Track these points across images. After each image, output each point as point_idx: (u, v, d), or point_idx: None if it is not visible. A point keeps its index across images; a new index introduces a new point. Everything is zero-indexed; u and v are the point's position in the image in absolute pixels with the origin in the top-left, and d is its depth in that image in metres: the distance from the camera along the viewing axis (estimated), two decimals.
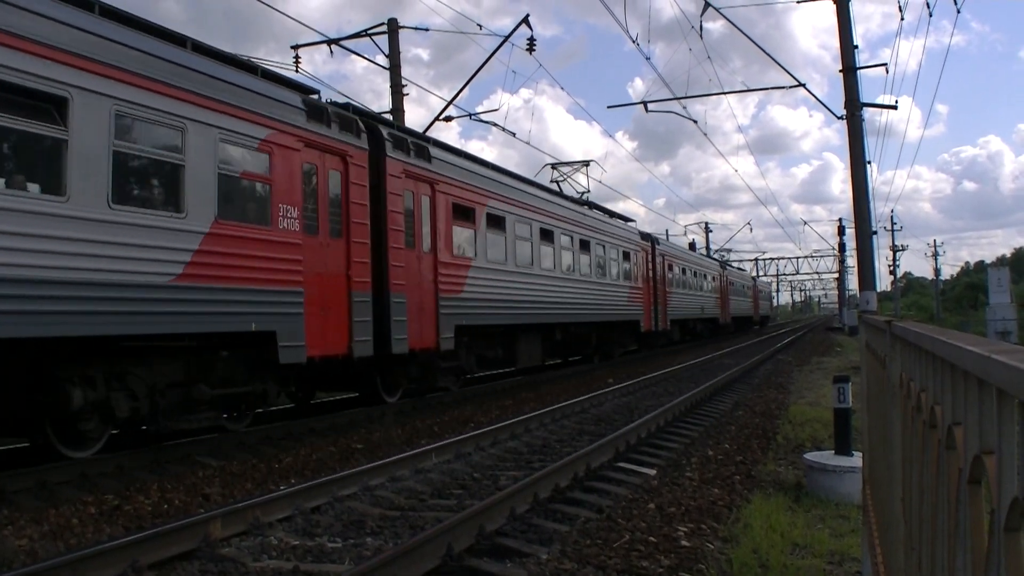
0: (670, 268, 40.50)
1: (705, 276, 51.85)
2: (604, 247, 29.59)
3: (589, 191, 33.72)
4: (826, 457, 9.32)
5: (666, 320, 38.64)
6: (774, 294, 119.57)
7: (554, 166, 34.77)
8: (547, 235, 23.97)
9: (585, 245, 27.39)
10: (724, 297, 57.89)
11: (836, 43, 25.04)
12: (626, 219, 35.49)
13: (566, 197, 28.96)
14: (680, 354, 37.08)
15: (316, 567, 6.50)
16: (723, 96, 35.18)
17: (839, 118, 25.78)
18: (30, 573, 5.76)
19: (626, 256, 32.45)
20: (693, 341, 49.78)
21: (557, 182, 33.36)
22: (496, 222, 20.51)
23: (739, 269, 79.27)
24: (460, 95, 28.15)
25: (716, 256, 76.89)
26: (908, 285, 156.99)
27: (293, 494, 8.34)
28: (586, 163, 34.74)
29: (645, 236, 37.18)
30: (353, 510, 8.32)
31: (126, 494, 9.21)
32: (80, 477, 9.95)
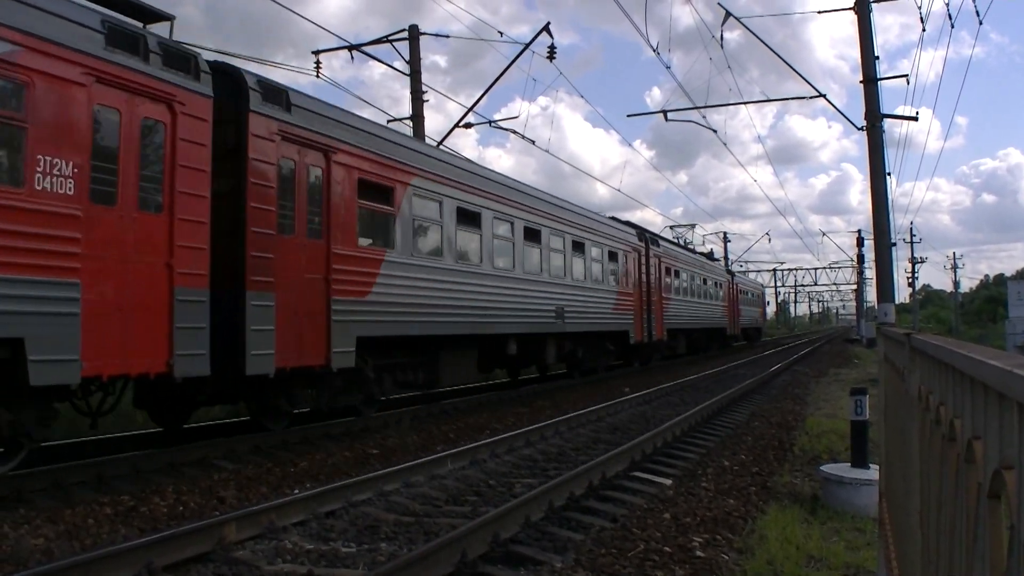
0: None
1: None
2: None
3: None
4: (842, 469, 9.28)
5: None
6: (769, 300, 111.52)
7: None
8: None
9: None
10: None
11: (853, 54, 25.09)
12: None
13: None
14: (679, 368, 34.38)
15: (330, 572, 6.50)
16: (741, 106, 35.22)
17: (859, 129, 25.66)
18: (46, 572, 5.78)
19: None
20: (696, 355, 44.88)
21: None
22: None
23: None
24: (479, 102, 28.16)
25: (732, 266, 76.57)
26: (927, 297, 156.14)
27: (308, 498, 8.36)
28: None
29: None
30: (368, 515, 8.33)
31: (141, 496, 9.24)
32: (96, 479, 9.99)
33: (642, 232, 33.37)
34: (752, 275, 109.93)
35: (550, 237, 22.64)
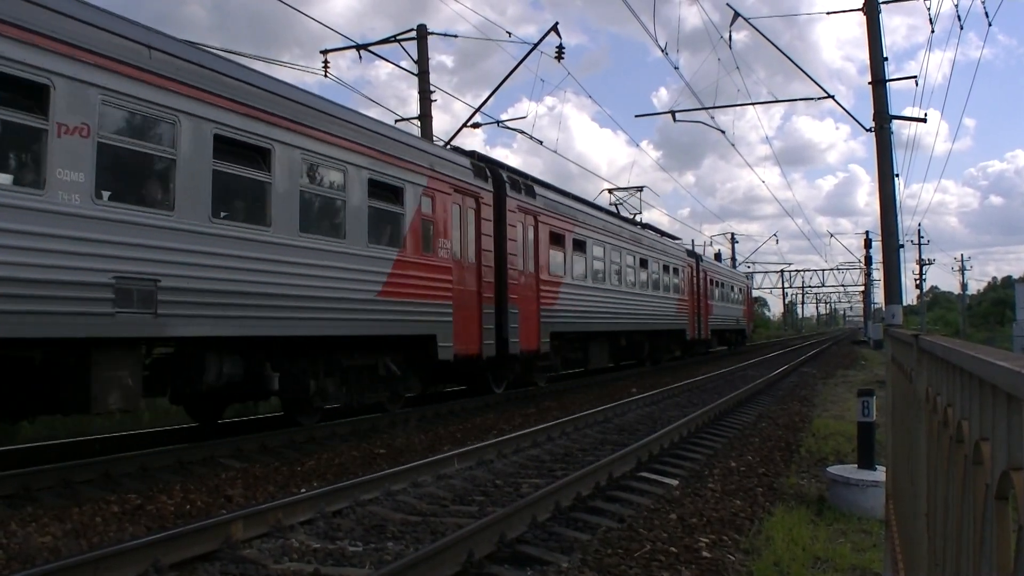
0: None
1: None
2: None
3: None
4: (849, 471, 9.26)
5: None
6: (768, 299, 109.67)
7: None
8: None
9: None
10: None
11: (860, 55, 25.14)
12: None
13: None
14: (713, 362, 40.37)
15: (337, 570, 6.51)
16: (748, 107, 35.15)
17: (867, 130, 25.61)
18: (53, 570, 5.80)
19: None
20: (727, 349, 54.05)
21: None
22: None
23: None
24: (486, 102, 28.14)
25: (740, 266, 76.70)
26: (934, 299, 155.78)
27: (315, 497, 8.37)
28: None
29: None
30: (375, 515, 8.34)
31: (149, 494, 9.27)
32: (103, 476, 10.02)
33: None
34: (759, 277, 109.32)
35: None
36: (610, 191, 40.72)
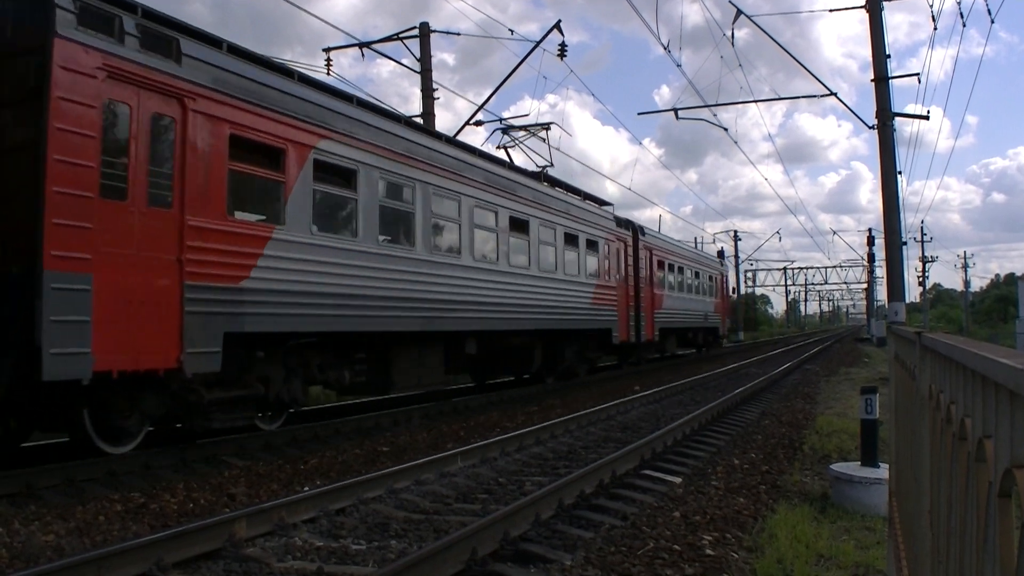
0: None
1: (700, 275, 41.79)
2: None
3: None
4: (852, 468, 9.25)
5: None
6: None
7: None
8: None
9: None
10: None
11: (862, 52, 25.24)
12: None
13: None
14: (690, 367, 34.33)
15: (340, 569, 6.52)
16: (750, 104, 35.17)
17: (870, 128, 25.62)
18: (56, 569, 5.80)
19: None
20: (696, 353, 44.08)
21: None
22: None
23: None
24: (489, 100, 28.00)
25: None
26: (937, 297, 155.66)
27: (318, 495, 8.37)
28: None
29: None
30: (378, 513, 8.34)
31: (152, 492, 9.28)
32: (108, 475, 10.02)
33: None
34: (762, 275, 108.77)
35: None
36: (503, 130, 25.94)
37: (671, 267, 35.54)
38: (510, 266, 19.80)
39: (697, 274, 40.97)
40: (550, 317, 21.96)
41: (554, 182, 24.68)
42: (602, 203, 28.02)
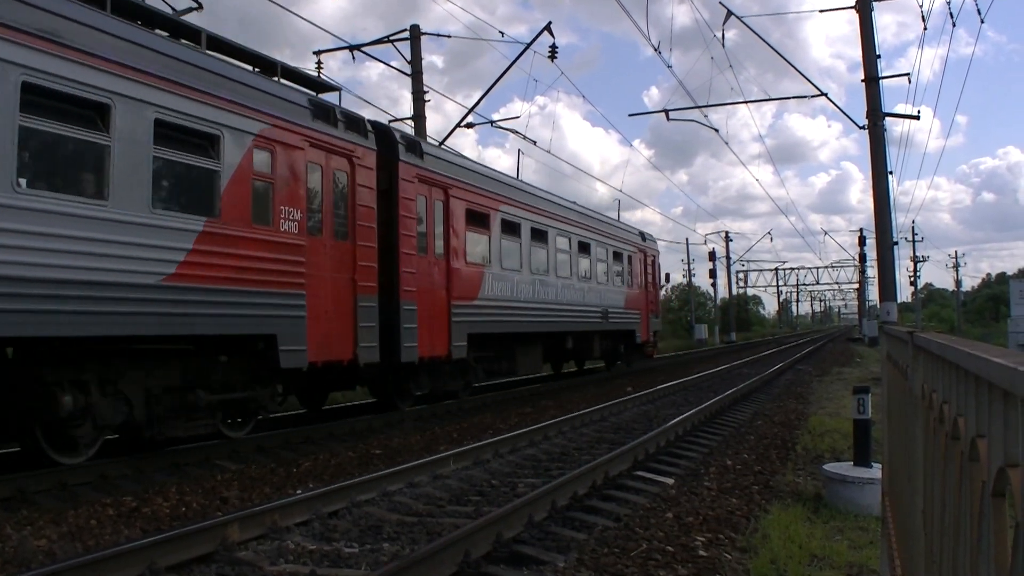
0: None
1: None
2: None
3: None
4: (845, 468, 9.27)
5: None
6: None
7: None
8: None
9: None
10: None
11: (850, 53, 25.25)
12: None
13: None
14: (682, 368, 34.77)
15: (333, 572, 6.50)
16: (740, 105, 35.18)
17: (861, 128, 25.67)
18: (48, 574, 5.78)
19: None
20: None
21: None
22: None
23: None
24: (480, 102, 28.02)
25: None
26: (929, 296, 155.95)
27: (311, 498, 8.35)
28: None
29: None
30: (371, 515, 8.33)
31: (144, 496, 9.25)
32: (100, 479, 10.00)
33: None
34: (753, 275, 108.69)
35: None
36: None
37: (508, 225, 20.64)
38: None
39: (584, 246, 26.09)
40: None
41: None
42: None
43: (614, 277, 29.28)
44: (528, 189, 23.15)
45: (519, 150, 33.19)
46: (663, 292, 39.66)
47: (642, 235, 33.77)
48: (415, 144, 16.77)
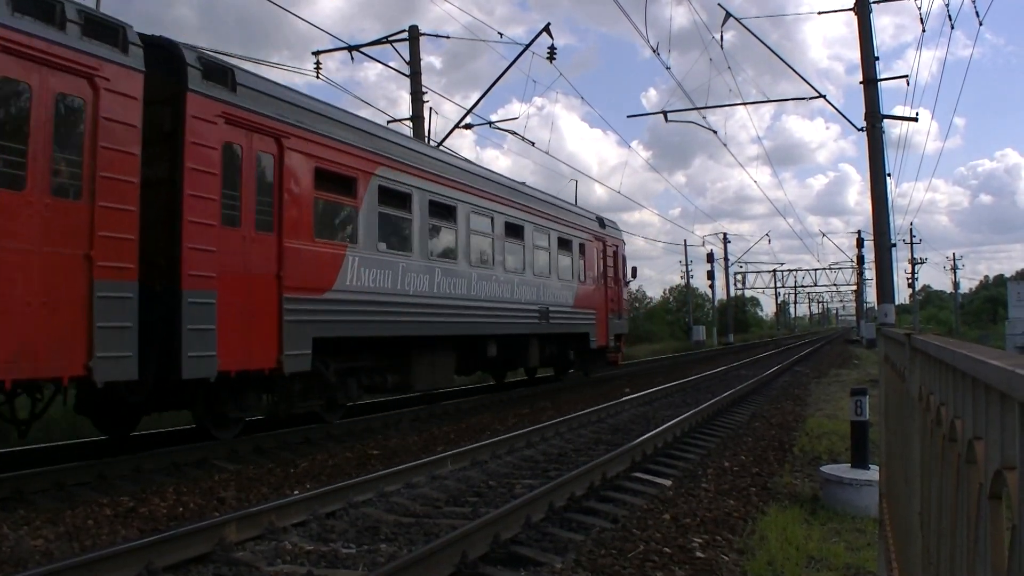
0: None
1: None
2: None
3: None
4: (843, 470, 9.27)
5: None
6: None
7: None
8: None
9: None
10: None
11: (848, 55, 25.30)
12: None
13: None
14: (682, 369, 34.51)
15: (330, 572, 6.50)
16: (738, 106, 35.22)
17: (859, 130, 25.67)
18: (45, 574, 5.78)
19: None
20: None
21: None
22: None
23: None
24: (478, 103, 27.96)
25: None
26: (927, 298, 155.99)
27: (308, 499, 8.35)
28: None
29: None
30: (368, 516, 8.33)
31: (142, 496, 9.25)
32: (97, 478, 9.99)
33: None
34: (751, 277, 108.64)
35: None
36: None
37: (390, 195, 15.76)
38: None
39: (514, 229, 21.29)
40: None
41: None
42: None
43: (559, 269, 23.81)
44: (424, 151, 18.13)
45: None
46: (629, 288, 32.39)
47: (600, 220, 28.02)
48: (221, 71, 11.64)
